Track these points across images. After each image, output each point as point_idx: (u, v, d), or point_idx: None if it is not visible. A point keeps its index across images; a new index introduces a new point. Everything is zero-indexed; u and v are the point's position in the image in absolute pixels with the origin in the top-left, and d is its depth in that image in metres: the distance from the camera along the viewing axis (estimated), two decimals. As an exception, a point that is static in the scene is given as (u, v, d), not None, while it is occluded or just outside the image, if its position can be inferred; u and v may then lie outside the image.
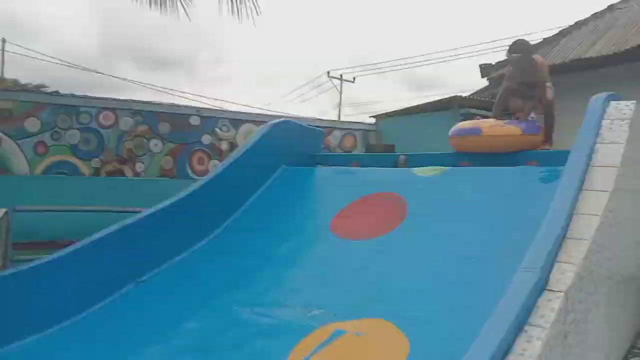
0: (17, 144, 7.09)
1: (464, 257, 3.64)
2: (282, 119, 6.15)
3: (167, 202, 4.87)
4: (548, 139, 5.22)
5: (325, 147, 8.76)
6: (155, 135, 8.19)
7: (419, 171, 5.07)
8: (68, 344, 3.50)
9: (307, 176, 5.73)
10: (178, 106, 8.59)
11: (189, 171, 8.56)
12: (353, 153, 9.74)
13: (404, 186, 4.91)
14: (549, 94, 5.19)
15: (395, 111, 10.77)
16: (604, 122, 3.79)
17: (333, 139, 9.80)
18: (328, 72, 27.54)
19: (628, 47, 7.42)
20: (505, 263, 3.21)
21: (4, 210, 4.57)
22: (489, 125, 4.99)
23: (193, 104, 16.03)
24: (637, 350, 4.13)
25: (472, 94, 9.86)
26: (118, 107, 7.80)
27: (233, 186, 5.39)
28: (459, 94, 9.60)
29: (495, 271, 3.25)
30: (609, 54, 7.74)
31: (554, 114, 5.21)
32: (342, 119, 20.57)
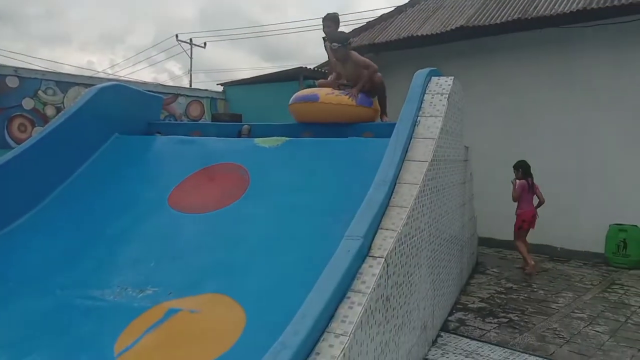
0: None
1: (302, 228, 3.72)
2: (112, 83, 5.66)
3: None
4: (383, 111, 5.50)
5: (170, 116, 8.31)
6: (-38, 98, 7.03)
7: (260, 141, 5.04)
8: None
9: (144, 146, 5.37)
10: (-10, 65, 7.45)
11: (8, 139, 7.54)
12: (199, 122, 9.40)
13: (246, 157, 4.85)
14: (378, 76, 5.34)
15: (242, 79, 10.59)
16: (426, 97, 4.09)
17: (178, 107, 9.34)
18: (176, 36, 26.07)
19: (452, 28, 8.11)
20: (339, 230, 3.37)
21: None
22: (325, 93, 5.09)
23: (18, 64, 14.10)
24: (460, 305, 4.65)
25: (316, 67, 10.05)
26: None
27: (57, 154, 4.86)
28: (304, 66, 9.73)
29: (330, 241, 3.38)
30: (436, 33, 8.39)
31: (385, 88, 5.45)
32: (194, 86, 19.72)
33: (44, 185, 4.72)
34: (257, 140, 5.08)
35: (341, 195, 3.99)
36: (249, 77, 10.68)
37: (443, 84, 4.20)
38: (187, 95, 9.67)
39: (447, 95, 4.04)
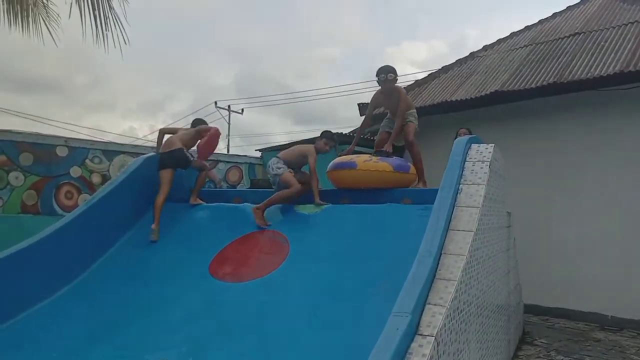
0: None
1: (342, 298, 3.66)
2: (152, 154, 5.86)
3: (26, 243, 4.41)
4: (421, 177, 5.51)
5: (210, 181, 8.47)
6: (16, 167, 7.39)
7: (300, 208, 5.08)
8: None
9: (186, 212, 5.48)
10: (43, 135, 7.83)
11: (56, 206, 7.81)
12: (238, 188, 9.58)
13: (286, 224, 4.89)
14: (411, 132, 5.54)
15: (279, 145, 10.83)
16: (467, 164, 4.08)
17: (218, 173, 9.57)
18: (215, 103, 27.09)
19: (487, 92, 8.19)
20: (382, 304, 3.29)
21: None
22: (363, 160, 5.17)
23: (66, 132, 14.84)
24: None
25: (351, 131, 10.22)
26: (-32, 136, 6.93)
27: (103, 223, 5.01)
28: (340, 131, 9.90)
29: (372, 313, 3.31)
30: (471, 98, 8.47)
31: (418, 152, 5.54)
32: (231, 151, 20.24)
33: (90, 253, 4.84)
34: (297, 206, 5.12)
35: (382, 265, 3.93)
36: (285, 142, 10.93)
37: (484, 151, 4.20)
38: (227, 162, 9.92)
39: (489, 163, 4.02)
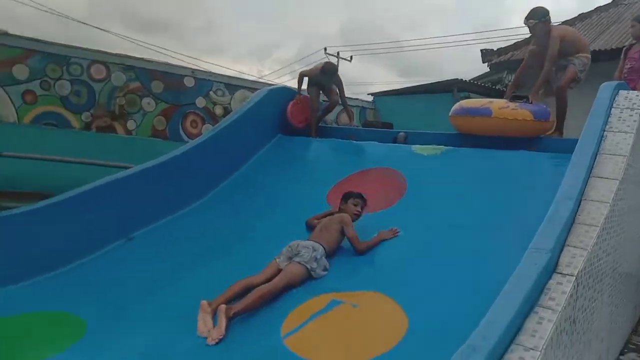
0: (4, 90, 6.82)
1: (462, 237, 3.59)
2: (280, 86, 6.01)
3: (158, 160, 4.74)
4: (559, 127, 5.07)
5: (322, 122, 8.60)
6: (148, 93, 7.97)
7: (418, 149, 5.00)
8: (49, 294, 3.37)
9: (304, 146, 5.63)
10: (172, 65, 8.34)
11: (182, 133, 8.38)
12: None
13: (403, 163, 4.84)
14: (569, 76, 4.90)
15: (393, 90, 10.67)
16: (614, 111, 3.74)
17: (329, 114, 9.67)
18: (325, 49, 26.96)
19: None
20: (505, 247, 3.20)
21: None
22: (500, 107, 4.75)
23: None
24: (633, 346, 4.16)
25: (472, 79, 9.77)
26: (110, 62, 7.53)
27: (226, 151, 5.27)
28: (460, 78, 9.49)
29: (495, 253, 3.23)
30: (611, 48, 7.69)
31: (566, 102, 4.99)
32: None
33: (213, 178, 5.10)
34: (414, 147, 5.05)
35: (505, 210, 3.79)
36: (398, 88, 10.73)
37: (633, 98, 3.81)
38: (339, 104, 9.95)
39: (639, 111, 3.65)
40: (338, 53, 27.11)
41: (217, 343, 2.74)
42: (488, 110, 4.79)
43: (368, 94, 10.91)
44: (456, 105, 5.21)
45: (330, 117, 9.57)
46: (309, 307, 3.06)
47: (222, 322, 2.83)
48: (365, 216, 4.19)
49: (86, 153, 6.63)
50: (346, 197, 4.01)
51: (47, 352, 2.64)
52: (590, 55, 5.07)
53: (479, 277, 3.04)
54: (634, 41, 5.75)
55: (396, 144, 5.53)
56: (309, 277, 3.34)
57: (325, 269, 3.44)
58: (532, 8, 4.98)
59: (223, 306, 2.90)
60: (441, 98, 8.98)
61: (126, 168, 4.84)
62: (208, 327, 2.87)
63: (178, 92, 8.22)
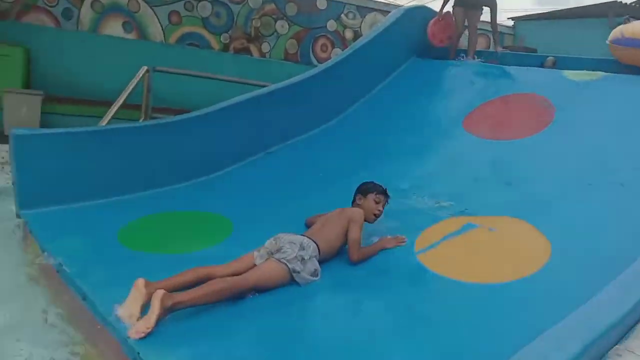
0: (153, 10, 7.29)
1: (617, 172, 3.27)
2: (418, 5, 5.70)
3: (293, 80, 4.81)
4: None
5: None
6: (282, 15, 8.05)
7: (570, 74, 4.55)
8: (202, 196, 3.68)
9: (440, 70, 5.38)
10: (313, -15, 8.26)
11: (312, 57, 8.44)
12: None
13: (551, 89, 4.44)
14: None
15: (537, 14, 9.68)
16: None
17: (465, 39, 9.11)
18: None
19: None
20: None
21: (145, 68, 4.78)
22: None
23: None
24: None
25: (634, 2, 8.51)
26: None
27: (359, 72, 5.20)
28: (620, 0, 8.32)
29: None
30: None
31: None
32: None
33: (345, 100, 5.11)
34: (565, 72, 4.60)
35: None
36: (543, 12, 9.72)
37: None
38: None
39: None
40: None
41: (142, 338, 1.92)
42: None
43: (508, 18, 10.06)
44: (616, 32, 4.61)
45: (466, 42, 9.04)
46: (440, 229, 3.03)
47: (155, 311, 1.98)
48: (508, 141, 3.96)
49: (224, 73, 6.96)
50: (365, 190, 3.07)
51: (205, 244, 2.93)
52: None
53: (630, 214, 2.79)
54: None
55: (544, 69, 5.08)
56: (290, 280, 2.46)
57: (314, 274, 2.55)
58: None
59: (160, 291, 2.03)
60: (593, 24, 8.00)
61: (261, 87, 5.00)
62: (133, 313, 2.07)
63: (310, 14, 8.21)
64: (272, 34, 8.07)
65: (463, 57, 5.49)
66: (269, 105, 4.50)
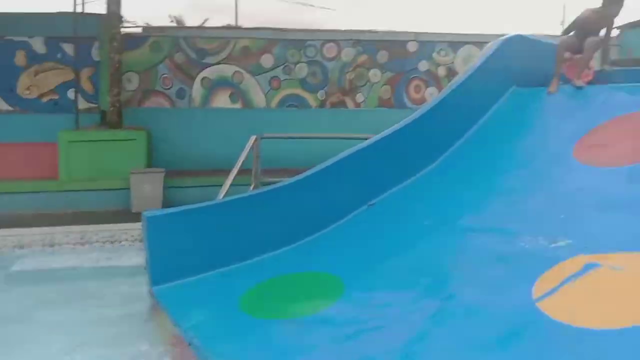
0: (255, 79, 7.88)
1: None
2: (515, 35, 5.55)
3: (393, 129, 4.89)
4: None
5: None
6: (375, 64, 8.28)
7: None
8: (310, 257, 3.84)
9: (543, 97, 5.16)
10: (395, 32, 8.45)
11: (406, 100, 8.51)
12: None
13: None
14: None
15: (646, 19, 8.94)
16: None
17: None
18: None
19: None
20: None
21: (254, 137, 5.15)
22: None
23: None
24: None
25: None
26: (340, 39, 8.03)
27: (458, 111, 5.14)
28: None
29: None
30: None
31: None
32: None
33: (445, 141, 5.07)
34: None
35: None
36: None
37: None
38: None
39: None
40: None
41: None
42: None
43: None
44: None
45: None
46: (560, 271, 2.86)
47: None
48: (625, 167, 3.70)
49: (322, 129, 7.26)
50: None
51: (320, 306, 3.04)
52: None
53: None
54: None
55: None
56: None
57: None
58: None
59: None
60: None
61: (360, 140, 5.14)
62: None
63: (402, 59, 8.35)
64: (365, 83, 8.30)
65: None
66: (370, 158, 4.62)
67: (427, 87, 8.56)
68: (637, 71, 5.38)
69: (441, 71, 8.49)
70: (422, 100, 7.23)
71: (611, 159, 3.89)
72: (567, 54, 5.12)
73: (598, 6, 4.93)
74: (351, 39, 8.04)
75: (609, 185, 3.63)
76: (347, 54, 8.11)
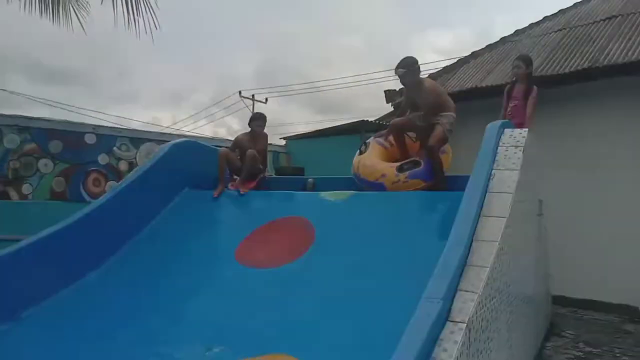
0: None
1: (370, 288, 3.59)
2: (184, 139, 5.86)
3: (54, 228, 4.42)
4: (439, 182, 4.89)
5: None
6: (46, 154, 7.51)
7: (326, 195, 5.02)
8: None
9: (212, 199, 5.48)
10: (72, 123, 7.94)
11: (84, 193, 7.92)
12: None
13: (312, 210, 4.83)
14: (436, 136, 4.85)
15: (304, 133, 10.80)
16: (500, 149, 3.94)
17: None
18: (240, 92, 27.15)
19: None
20: (410, 292, 3.21)
21: None
22: (392, 182, 4.90)
23: (93, 121, 15.03)
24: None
25: (377, 119, 10.07)
26: (1, 123, 7.06)
27: (131, 209, 5.03)
28: (366, 119, 9.79)
29: (400, 301, 3.23)
30: (501, 84, 8.22)
31: (439, 158, 4.90)
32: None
33: (117, 240, 4.84)
34: (322, 193, 5.06)
35: (411, 252, 3.86)
36: (311, 130, 10.88)
37: (517, 136, 4.05)
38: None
39: (522, 148, 3.88)
40: (253, 96, 27.40)
41: None
42: (382, 186, 4.98)
43: (280, 138, 10.97)
44: (355, 162, 5.37)
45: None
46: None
47: None
48: (276, 269, 4.10)
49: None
50: None
51: None
52: (455, 115, 5.12)
53: (385, 330, 3.03)
54: (514, 78, 5.86)
55: (305, 192, 5.53)
56: None
57: None
58: (402, 58, 4.98)
59: None
60: (350, 140, 9.19)
61: (16, 240, 4.45)
62: None
63: (79, 150, 7.81)
64: (35, 173, 7.42)
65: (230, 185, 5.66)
66: (17, 266, 3.99)
67: (107, 180, 8.16)
68: (289, 179, 6.28)
69: (122, 165, 8.26)
70: (103, 194, 6.75)
71: (265, 262, 4.29)
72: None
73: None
74: (17, 125, 7.15)
75: (262, 286, 3.97)
76: (12, 140, 7.16)
